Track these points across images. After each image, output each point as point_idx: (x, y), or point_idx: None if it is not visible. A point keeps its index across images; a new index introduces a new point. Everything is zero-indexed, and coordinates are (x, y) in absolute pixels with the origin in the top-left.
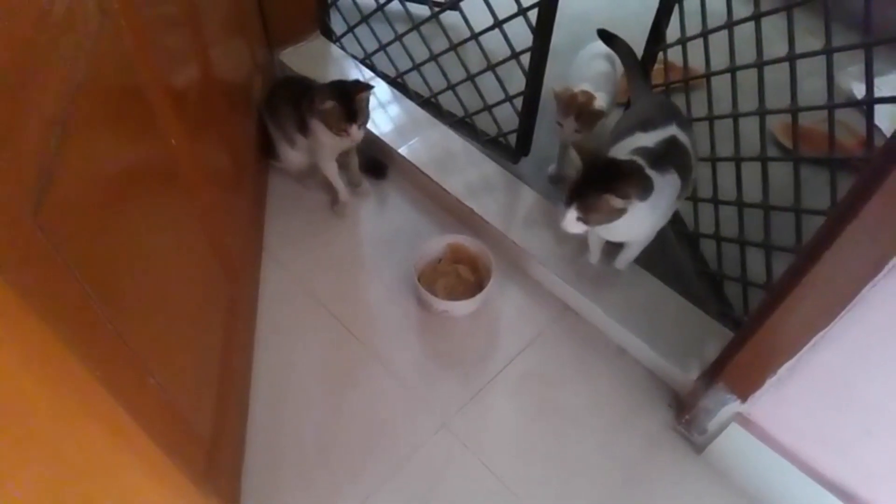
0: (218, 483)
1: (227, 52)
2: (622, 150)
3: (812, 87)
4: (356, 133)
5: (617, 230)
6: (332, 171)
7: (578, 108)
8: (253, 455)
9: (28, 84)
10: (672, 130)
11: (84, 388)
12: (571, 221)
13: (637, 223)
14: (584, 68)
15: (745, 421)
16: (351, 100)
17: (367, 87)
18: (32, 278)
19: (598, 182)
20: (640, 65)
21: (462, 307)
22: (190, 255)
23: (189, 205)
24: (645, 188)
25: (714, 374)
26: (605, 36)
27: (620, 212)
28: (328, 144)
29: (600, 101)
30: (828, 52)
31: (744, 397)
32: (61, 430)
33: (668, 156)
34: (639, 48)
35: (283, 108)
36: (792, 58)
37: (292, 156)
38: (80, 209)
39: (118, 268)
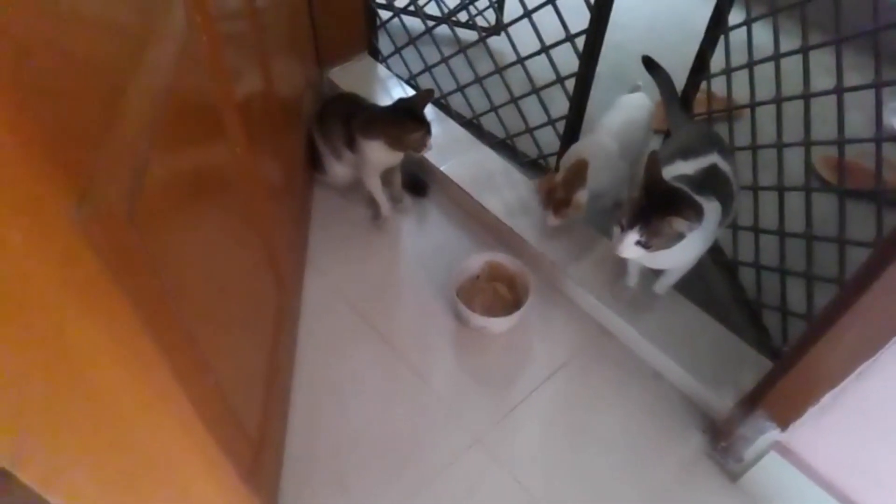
0: (261, 483)
1: (283, 69)
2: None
3: (852, 120)
4: (430, 143)
5: (664, 257)
6: (376, 186)
7: (556, 203)
8: (290, 459)
9: (130, 87)
10: (713, 158)
11: (160, 380)
12: (629, 246)
13: (683, 250)
14: (615, 116)
15: (784, 450)
16: (420, 111)
17: (429, 92)
18: (127, 272)
19: (661, 205)
20: (678, 95)
21: (500, 324)
22: (247, 260)
23: (247, 212)
24: (699, 213)
25: (753, 401)
26: (649, 64)
27: (679, 237)
28: (374, 161)
29: (581, 196)
30: (876, 85)
31: (784, 426)
32: (139, 418)
33: (709, 183)
34: (678, 78)
35: (333, 124)
36: (840, 90)
37: (338, 170)
38: (162, 209)
39: (189, 267)
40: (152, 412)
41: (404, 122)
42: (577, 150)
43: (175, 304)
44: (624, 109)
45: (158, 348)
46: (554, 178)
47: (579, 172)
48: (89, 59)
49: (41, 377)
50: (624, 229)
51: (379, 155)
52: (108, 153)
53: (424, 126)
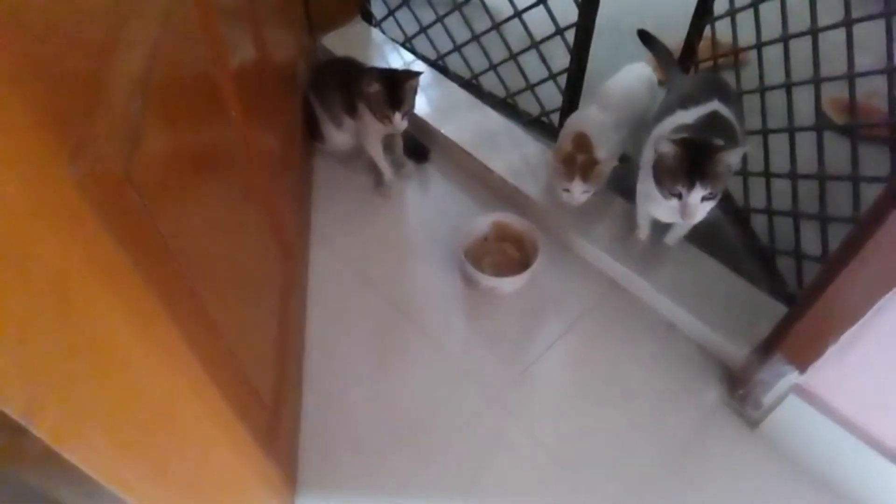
0: (279, 449)
1: (275, 34)
2: (663, 130)
3: (861, 64)
4: (399, 121)
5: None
6: (377, 152)
7: (582, 167)
8: (306, 425)
9: (117, 42)
10: (714, 105)
11: (168, 338)
12: (698, 205)
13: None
14: (619, 85)
15: (804, 392)
16: (398, 87)
17: (416, 75)
18: (129, 231)
19: (702, 153)
20: (676, 62)
21: (509, 283)
22: (251, 227)
23: (248, 180)
24: (733, 135)
25: (770, 346)
26: (644, 37)
27: (730, 170)
28: (375, 127)
29: (601, 152)
30: (888, 14)
31: (803, 368)
32: (149, 377)
33: (711, 130)
34: (681, 25)
35: (330, 89)
36: (848, 22)
37: (337, 137)
38: (161, 169)
39: (190, 232)
40: (162, 372)
41: (371, 75)
42: (573, 124)
43: (178, 265)
44: (625, 79)
45: (163, 306)
46: (565, 147)
47: (585, 143)
48: (80, 10)
49: (44, 327)
50: (684, 195)
51: (374, 119)
52: (100, 111)
53: (392, 92)
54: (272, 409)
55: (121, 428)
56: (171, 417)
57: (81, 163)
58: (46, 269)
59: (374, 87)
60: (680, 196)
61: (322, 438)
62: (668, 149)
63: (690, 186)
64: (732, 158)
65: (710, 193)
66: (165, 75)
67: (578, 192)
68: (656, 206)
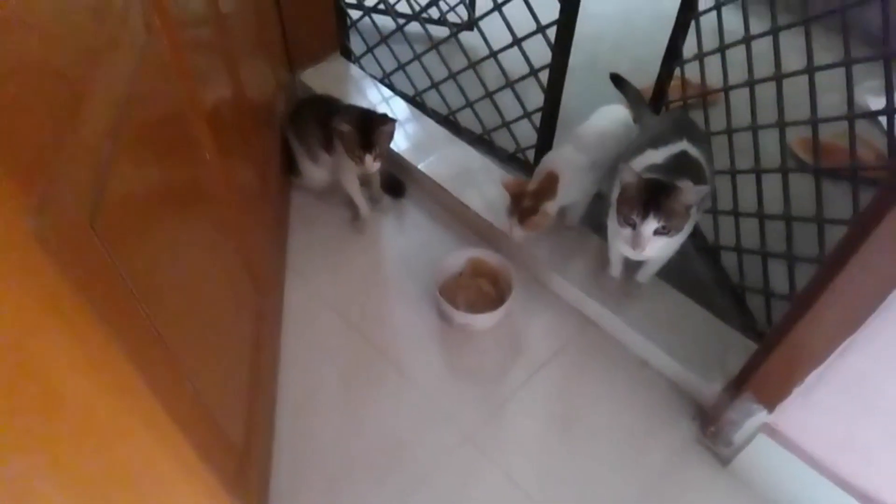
0: (248, 490)
1: (252, 72)
2: (635, 168)
3: (827, 102)
4: (370, 163)
5: (661, 245)
6: (354, 188)
7: (521, 211)
8: (278, 465)
9: (86, 93)
10: (682, 145)
11: (131, 389)
12: (650, 238)
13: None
14: (593, 126)
15: (772, 431)
16: (371, 130)
17: (390, 121)
18: (89, 280)
19: (664, 188)
20: (647, 104)
21: (483, 320)
22: (222, 265)
23: (221, 218)
24: (700, 174)
25: (739, 384)
26: (616, 80)
27: (688, 211)
28: (350, 164)
29: (550, 207)
30: (847, 63)
31: (771, 407)
32: (111, 428)
33: (680, 169)
34: (652, 66)
35: (309, 125)
36: (811, 70)
37: (314, 172)
38: (127, 217)
39: (158, 274)
40: (125, 422)
41: (346, 115)
42: (548, 163)
43: (144, 312)
44: (600, 121)
45: (128, 357)
46: (525, 184)
47: (550, 185)
48: (41, 66)
49: (2, 392)
50: (638, 224)
51: None
52: (67, 161)
53: (365, 134)
54: (241, 449)
55: (80, 483)
56: (134, 466)
57: (45, 216)
58: (2, 330)
59: (346, 128)
60: (634, 225)
61: (294, 479)
62: (630, 178)
63: (644, 216)
64: (691, 197)
65: (664, 227)
66: (137, 117)
67: (516, 230)
68: (618, 237)
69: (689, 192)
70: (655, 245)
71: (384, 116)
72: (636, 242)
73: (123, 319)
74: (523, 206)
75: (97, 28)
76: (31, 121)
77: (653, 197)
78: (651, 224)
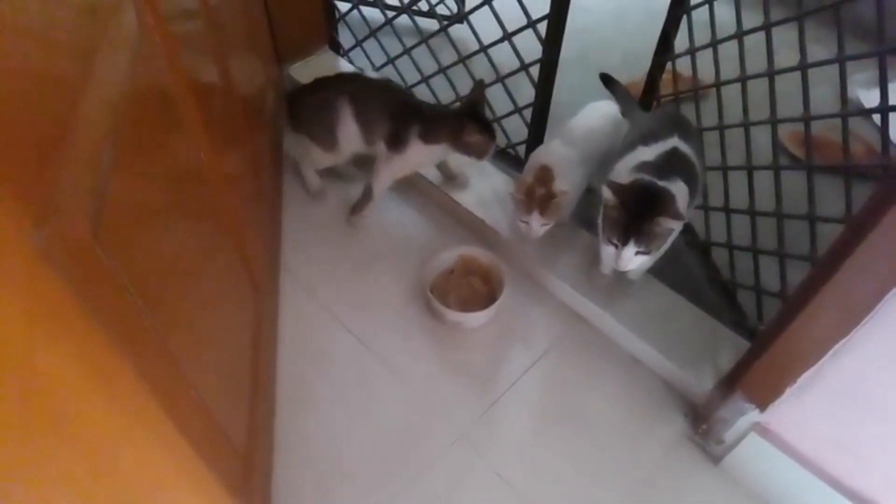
0: (252, 495)
1: (243, 67)
2: (626, 166)
3: (819, 96)
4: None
5: (634, 262)
6: (385, 186)
7: (540, 200)
8: (277, 468)
9: (83, 97)
10: (674, 142)
11: (138, 400)
12: (631, 259)
13: None
14: (583, 122)
15: (763, 430)
16: (482, 115)
17: (482, 86)
18: (94, 292)
19: (642, 212)
20: (636, 102)
21: (475, 318)
22: (222, 266)
23: (218, 218)
24: (673, 203)
25: (731, 383)
26: (606, 79)
27: (671, 231)
28: (414, 164)
29: (563, 184)
30: (840, 60)
31: (762, 406)
32: (120, 442)
33: (671, 166)
34: (644, 59)
35: (372, 112)
36: (804, 66)
37: (322, 160)
38: (128, 223)
39: (160, 281)
40: (133, 435)
41: (469, 125)
42: (538, 157)
43: (148, 320)
44: (589, 117)
45: (134, 368)
46: (527, 180)
47: (548, 174)
48: (35, 71)
49: (10, 410)
50: (619, 247)
51: (425, 158)
52: (66, 169)
53: (488, 130)
54: (245, 454)
55: (91, 499)
56: (143, 478)
57: (47, 228)
58: (9, 348)
59: (477, 137)
60: (616, 246)
61: (291, 481)
62: (609, 196)
63: (625, 243)
64: (672, 224)
65: (645, 251)
66: (134, 119)
67: (536, 224)
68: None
69: (670, 220)
70: (637, 261)
71: (472, 95)
72: (619, 263)
73: (128, 330)
74: (538, 195)
75: (89, 28)
76: (28, 128)
77: (633, 221)
78: (632, 249)
